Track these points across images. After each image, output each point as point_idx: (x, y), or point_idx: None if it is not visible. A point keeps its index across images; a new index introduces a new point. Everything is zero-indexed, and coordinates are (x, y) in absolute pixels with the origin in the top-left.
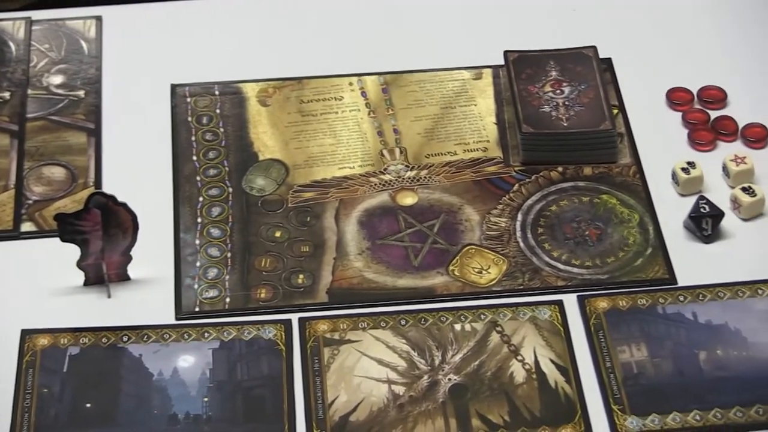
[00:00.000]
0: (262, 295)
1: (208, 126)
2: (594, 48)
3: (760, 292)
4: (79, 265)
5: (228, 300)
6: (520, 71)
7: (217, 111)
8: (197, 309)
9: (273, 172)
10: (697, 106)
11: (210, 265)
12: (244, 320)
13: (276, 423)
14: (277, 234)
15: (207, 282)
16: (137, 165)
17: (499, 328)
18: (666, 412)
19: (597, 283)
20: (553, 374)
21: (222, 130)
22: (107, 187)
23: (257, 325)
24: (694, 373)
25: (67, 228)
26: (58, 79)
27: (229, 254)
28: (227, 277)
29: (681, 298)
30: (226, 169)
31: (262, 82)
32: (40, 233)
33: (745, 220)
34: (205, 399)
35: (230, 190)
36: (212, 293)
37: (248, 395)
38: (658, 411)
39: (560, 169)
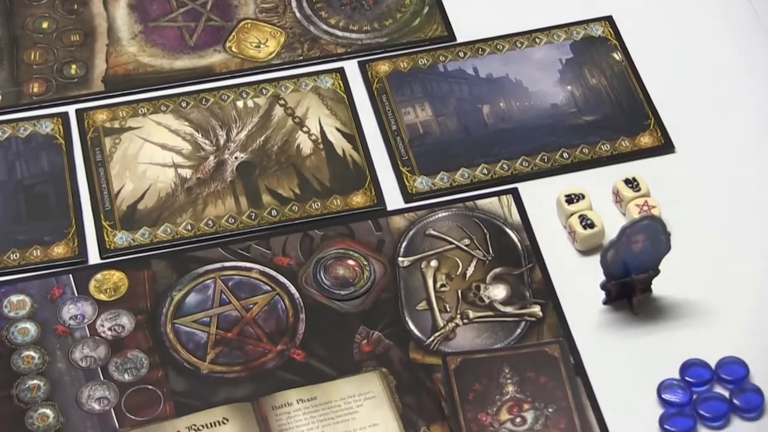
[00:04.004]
0: (35, 90)
1: None
2: None
3: (537, 41)
4: None
5: None
6: None
7: None
8: None
9: None
10: None
11: None
12: (19, 117)
13: (62, 218)
14: (45, 25)
15: None
16: None
17: (282, 102)
18: (454, 168)
19: (377, 46)
20: (339, 143)
21: None
22: None
23: (33, 121)
24: (479, 127)
25: None
26: None
27: None
28: None
29: (461, 54)
30: None
31: None
32: None
33: None
34: None
35: None
36: None
37: (30, 193)
38: (446, 168)
39: None
